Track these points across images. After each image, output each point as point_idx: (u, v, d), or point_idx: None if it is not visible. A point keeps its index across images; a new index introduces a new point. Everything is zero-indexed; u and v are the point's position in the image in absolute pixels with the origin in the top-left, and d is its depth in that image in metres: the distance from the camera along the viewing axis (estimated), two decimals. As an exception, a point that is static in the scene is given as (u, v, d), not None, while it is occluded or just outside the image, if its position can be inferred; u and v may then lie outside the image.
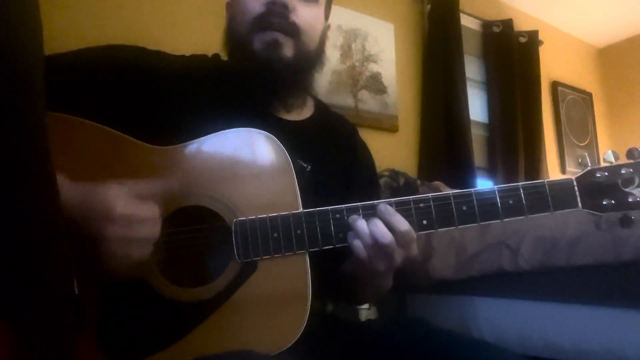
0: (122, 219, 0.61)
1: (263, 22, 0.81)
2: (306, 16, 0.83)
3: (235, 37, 0.85)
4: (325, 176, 0.83)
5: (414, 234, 0.71)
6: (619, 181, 0.73)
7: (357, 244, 0.70)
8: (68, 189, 0.61)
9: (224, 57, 0.92)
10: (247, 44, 0.82)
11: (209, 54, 0.94)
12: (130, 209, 0.62)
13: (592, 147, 3.75)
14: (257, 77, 0.81)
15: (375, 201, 0.72)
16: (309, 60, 0.86)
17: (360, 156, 0.97)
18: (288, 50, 0.82)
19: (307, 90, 0.92)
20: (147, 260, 0.65)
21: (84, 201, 0.61)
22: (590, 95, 3.89)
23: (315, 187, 0.74)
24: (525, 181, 0.74)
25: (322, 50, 0.90)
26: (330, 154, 0.89)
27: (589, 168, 0.74)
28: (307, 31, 0.84)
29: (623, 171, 0.73)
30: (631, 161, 0.73)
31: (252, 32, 0.81)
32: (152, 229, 0.64)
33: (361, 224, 0.70)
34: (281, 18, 0.80)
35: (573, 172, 3.49)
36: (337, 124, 0.99)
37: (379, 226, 0.69)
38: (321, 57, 0.90)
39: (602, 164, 0.75)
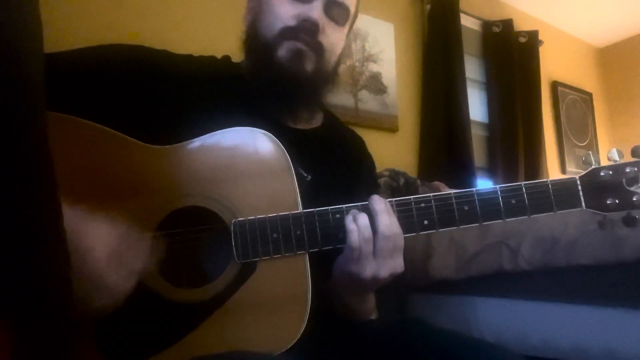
0: (97, 263, 0.57)
1: (292, 33, 0.81)
2: (331, 38, 0.85)
3: (258, 39, 0.85)
4: (325, 188, 0.82)
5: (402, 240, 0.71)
6: (624, 180, 0.72)
7: (353, 228, 0.69)
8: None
9: (234, 57, 0.92)
10: (272, 49, 0.82)
11: (218, 55, 0.93)
12: (109, 256, 0.58)
13: (592, 147, 3.75)
14: (278, 83, 0.81)
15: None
16: (325, 78, 0.88)
17: (365, 171, 0.97)
18: (310, 64, 0.83)
19: (317, 104, 0.93)
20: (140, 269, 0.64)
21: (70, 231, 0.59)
22: (590, 95, 3.89)
23: (313, 198, 0.73)
24: (526, 181, 0.73)
25: (337, 71, 0.91)
26: (333, 167, 0.89)
27: (593, 167, 0.73)
28: (329, 51, 0.85)
29: (628, 170, 0.72)
30: (636, 159, 0.73)
31: (279, 38, 0.81)
32: (122, 282, 0.60)
33: (363, 216, 0.70)
34: (309, 35, 0.82)
35: (573, 172, 3.50)
36: (345, 137, 0.99)
37: (385, 217, 0.69)
38: (335, 77, 0.91)
39: (607, 163, 0.74)
